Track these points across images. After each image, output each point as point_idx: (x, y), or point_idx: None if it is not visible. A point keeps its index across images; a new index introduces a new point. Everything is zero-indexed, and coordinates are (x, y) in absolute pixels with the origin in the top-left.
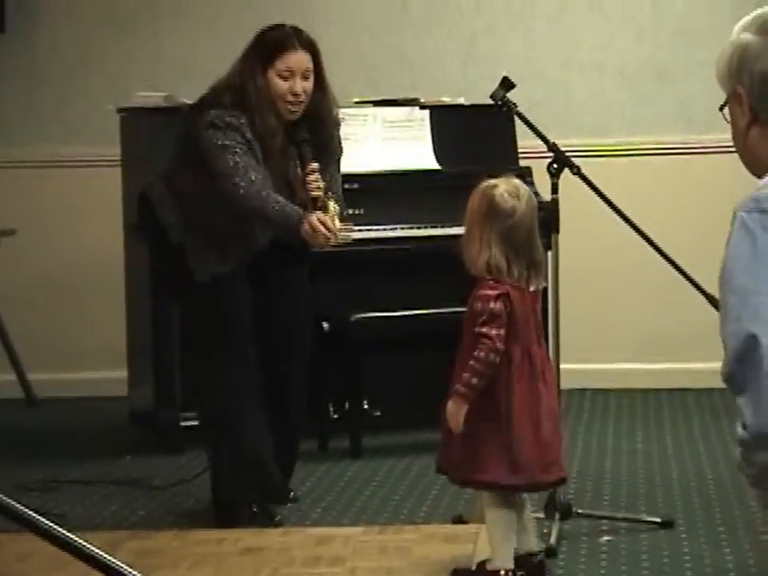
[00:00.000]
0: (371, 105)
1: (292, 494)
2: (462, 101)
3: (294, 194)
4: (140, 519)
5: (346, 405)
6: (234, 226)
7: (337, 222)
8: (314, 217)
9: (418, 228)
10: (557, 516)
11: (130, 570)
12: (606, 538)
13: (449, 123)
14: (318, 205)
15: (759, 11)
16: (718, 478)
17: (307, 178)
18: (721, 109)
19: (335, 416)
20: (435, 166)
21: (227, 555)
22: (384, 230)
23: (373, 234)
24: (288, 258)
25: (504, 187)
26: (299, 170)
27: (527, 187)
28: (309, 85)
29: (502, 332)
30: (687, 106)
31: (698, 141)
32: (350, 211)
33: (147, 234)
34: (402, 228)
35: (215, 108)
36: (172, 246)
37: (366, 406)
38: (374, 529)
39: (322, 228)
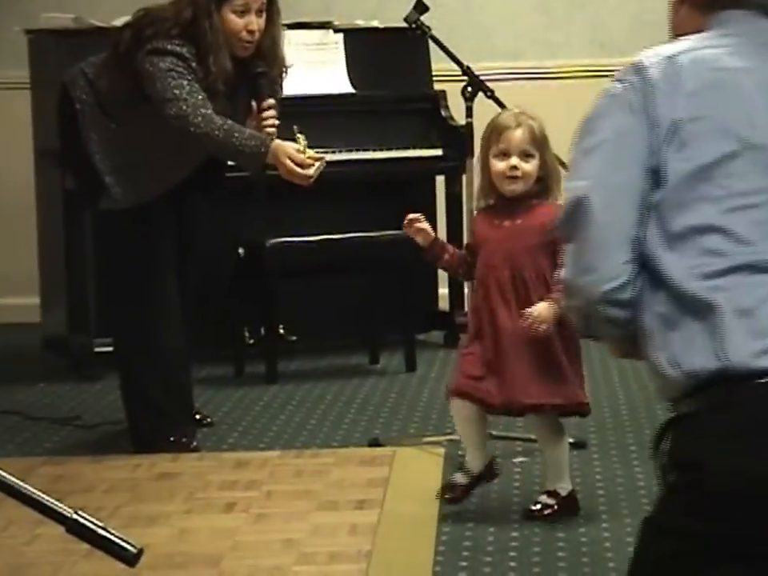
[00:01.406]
0: (285, 28)
1: (208, 419)
2: (376, 24)
3: (232, 98)
4: (54, 446)
5: (262, 330)
6: (165, 154)
7: (310, 152)
8: (285, 154)
9: (332, 152)
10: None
11: (43, 495)
12: (520, 459)
13: (363, 46)
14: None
15: None
16: (629, 400)
17: (264, 114)
18: None
19: (251, 341)
20: (349, 89)
21: (142, 480)
22: None
23: None
24: (206, 184)
25: (509, 112)
26: (254, 104)
27: (536, 119)
28: (263, 21)
29: None
30: (600, 30)
31: (611, 64)
32: None
33: (65, 147)
34: (316, 152)
35: (159, 39)
36: (91, 165)
37: (281, 331)
38: (290, 453)
39: (295, 167)
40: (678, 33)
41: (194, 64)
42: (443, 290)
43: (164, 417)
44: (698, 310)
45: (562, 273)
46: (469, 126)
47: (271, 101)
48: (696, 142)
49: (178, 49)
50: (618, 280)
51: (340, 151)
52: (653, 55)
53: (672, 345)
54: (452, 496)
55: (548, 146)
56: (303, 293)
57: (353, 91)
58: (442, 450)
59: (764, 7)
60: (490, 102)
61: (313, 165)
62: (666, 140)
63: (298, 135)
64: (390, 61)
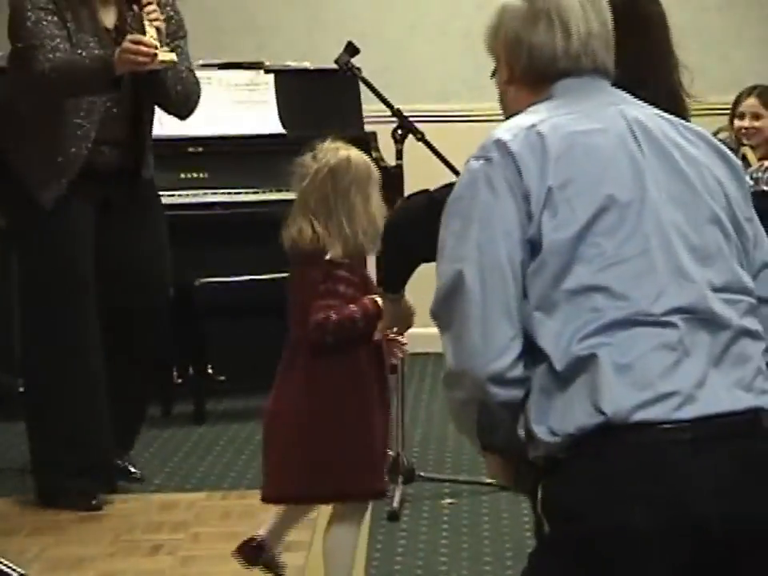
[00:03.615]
0: (216, 68)
1: (133, 470)
2: (307, 65)
3: (116, 42)
4: None
5: (190, 369)
6: (59, 124)
7: (156, 42)
8: (126, 40)
9: (263, 192)
10: (400, 479)
11: None
12: (448, 500)
13: (294, 87)
14: (160, 39)
15: None
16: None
17: (145, 9)
18: (492, 75)
19: (179, 381)
20: (280, 130)
21: (67, 522)
22: (229, 193)
23: (217, 198)
24: (135, 187)
25: (315, 150)
26: (134, 7)
27: (351, 155)
28: None
29: None
30: None
31: None
32: (194, 174)
33: None
34: (247, 192)
35: None
36: (8, 168)
37: (210, 371)
38: (218, 494)
39: (137, 46)
40: (511, 113)
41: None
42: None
43: (66, 476)
44: (579, 369)
45: (445, 364)
46: (399, 168)
47: None
48: (566, 206)
49: None
50: (506, 357)
51: (270, 191)
52: (510, 128)
53: (551, 414)
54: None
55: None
56: (232, 332)
57: (283, 131)
58: None
59: (597, 70)
60: (420, 144)
61: (158, 48)
62: (540, 209)
63: (149, 29)
64: (321, 102)
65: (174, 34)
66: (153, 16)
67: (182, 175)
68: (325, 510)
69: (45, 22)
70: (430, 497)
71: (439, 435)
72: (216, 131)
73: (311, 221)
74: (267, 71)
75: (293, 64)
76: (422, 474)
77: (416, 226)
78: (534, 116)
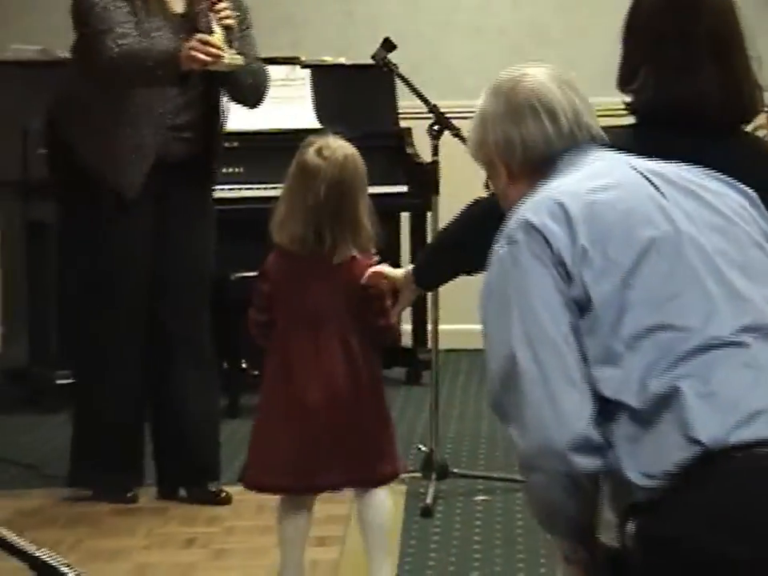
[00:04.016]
0: None
1: (221, 491)
2: (343, 61)
3: (185, 28)
4: (12, 479)
5: (224, 364)
6: (133, 110)
7: (223, 45)
8: (194, 38)
9: None
10: (433, 476)
11: (4, 530)
12: (481, 497)
13: (330, 83)
14: (229, 37)
15: (497, 79)
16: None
17: (215, 7)
18: (486, 186)
19: None
20: (316, 125)
21: (102, 515)
22: (264, 188)
23: (253, 193)
24: (197, 180)
25: (317, 145)
26: (205, 2)
27: (352, 154)
28: None
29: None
30: (569, 69)
31: None
32: (230, 169)
33: (55, 163)
34: (282, 187)
35: None
36: (74, 164)
37: (244, 366)
38: None
39: (204, 46)
40: (515, 205)
41: None
42: (406, 327)
43: (102, 459)
44: (661, 407)
45: (517, 451)
46: (435, 164)
47: None
48: (605, 257)
49: None
50: (581, 421)
51: None
52: (527, 208)
53: (642, 458)
54: None
55: None
56: None
57: (319, 127)
58: (403, 488)
59: (594, 140)
60: (456, 140)
61: (224, 50)
62: (578, 268)
63: (216, 29)
64: (357, 98)
65: (240, 24)
66: (223, 14)
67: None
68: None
69: (113, 8)
70: (464, 493)
71: (472, 432)
72: (252, 126)
73: (324, 226)
74: (303, 66)
75: (329, 59)
76: (455, 470)
77: (477, 232)
78: (546, 191)
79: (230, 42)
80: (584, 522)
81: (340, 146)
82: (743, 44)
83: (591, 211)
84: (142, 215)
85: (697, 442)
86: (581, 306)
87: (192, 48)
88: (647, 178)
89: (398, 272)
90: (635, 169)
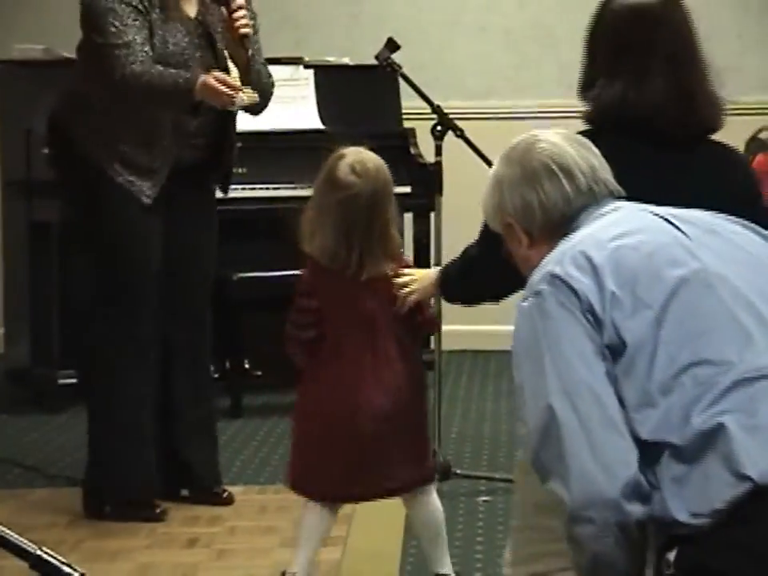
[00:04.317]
0: None
1: (224, 491)
2: (346, 61)
3: (199, 46)
4: (15, 479)
5: (227, 364)
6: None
7: (237, 81)
8: (211, 76)
9: (301, 188)
10: (436, 477)
11: (4, 529)
12: (484, 498)
13: (333, 83)
14: (246, 45)
15: (509, 146)
16: None
17: (234, 15)
18: (506, 254)
19: (216, 375)
20: (319, 125)
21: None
22: (267, 188)
23: (256, 194)
24: (199, 186)
25: (350, 159)
26: (223, 9)
27: (381, 166)
28: None
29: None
30: (569, 70)
31: (580, 105)
32: (234, 170)
33: (61, 164)
34: (286, 188)
35: None
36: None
37: (246, 366)
38: (254, 488)
39: (220, 86)
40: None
41: None
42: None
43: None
44: (706, 444)
45: (563, 506)
46: (438, 165)
47: (240, 0)
48: (636, 299)
49: None
50: (630, 467)
51: (309, 187)
52: (549, 261)
53: (689, 497)
54: None
55: None
56: (269, 327)
57: (322, 127)
58: None
59: (612, 194)
60: (460, 141)
61: (242, 90)
62: (609, 313)
63: (231, 66)
64: (360, 98)
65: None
66: (242, 22)
67: None
68: (361, 506)
69: (129, 20)
70: (466, 494)
71: (475, 432)
72: (255, 126)
73: (356, 243)
74: (307, 67)
75: (332, 60)
76: (457, 471)
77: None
78: (568, 243)
79: (246, 50)
80: (633, 572)
81: (372, 161)
82: (699, 57)
83: (616, 257)
84: (156, 219)
85: (746, 477)
86: (614, 352)
87: (208, 86)
88: (668, 221)
89: (425, 278)
90: (656, 214)
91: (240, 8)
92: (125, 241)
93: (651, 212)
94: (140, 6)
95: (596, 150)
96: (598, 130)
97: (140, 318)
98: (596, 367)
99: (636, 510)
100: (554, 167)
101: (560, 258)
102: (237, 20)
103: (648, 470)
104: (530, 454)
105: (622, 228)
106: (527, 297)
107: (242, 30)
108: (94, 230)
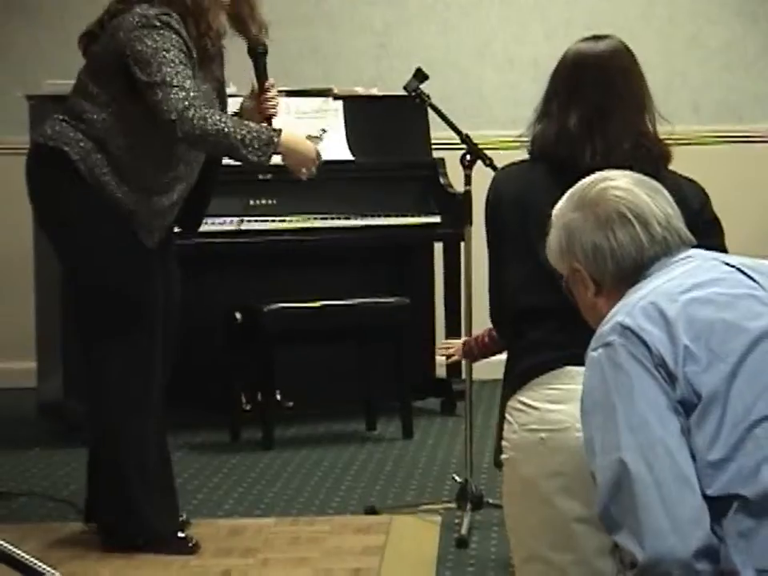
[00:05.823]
0: (284, 95)
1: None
2: (375, 91)
3: (224, 104)
4: (48, 512)
5: (258, 396)
6: (164, 171)
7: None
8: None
9: (331, 219)
10: (468, 506)
11: (37, 562)
12: None
13: (362, 114)
14: (271, 125)
15: (571, 189)
16: None
17: (266, 95)
18: (567, 290)
19: (247, 407)
20: (348, 156)
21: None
22: (297, 220)
23: (286, 225)
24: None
25: None
26: (254, 83)
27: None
28: None
29: None
30: None
31: None
32: (264, 201)
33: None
34: (315, 219)
35: (135, 6)
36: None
37: (278, 397)
38: (287, 520)
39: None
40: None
41: (185, 35)
42: (440, 358)
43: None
44: None
45: (633, 562)
46: (467, 194)
47: (272, 80)
48: (710, 352)
49: (168, 19)
50: (703, 526)
51: (338, 217)
52: (619, 311)
53: (756, 553)
54: None
55: None
56: (301, 358)
57: (352, 158)
58: (438, 518)
59: (685, 243)
60: (489, 170)
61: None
62: (682, 367)
63: (320, 133)
64: (389, 128)
65: None
66: (272, 103)
67: (252, 202)
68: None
69: (183, 65)
70: (499, 523)
71: None
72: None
73: None
74: (336, 98)
75: (361, 90)
76: (490, 500)
77: None
78: (638, 293)
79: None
80: None
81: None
82: (644, 102)
83: (689, 310)
84: (157, 260)
85: None
86: (687, 406)
87: (299, 144)
88: (742, 272)
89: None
90: (728, 264)
91: (272, 87)
92: (136, 283)
93: (723, 261)
94: (191, 64)
95: (668, 196)
96: (533, 158)
97: (155, 352)
98: (670, 422)
99: (707, 568)
100: (629, 215)
101: (630, 310)
102: (269, 100)
103: (715, 522)
104: (598, 508)
105: (694, 279)
106: (597, 347)
107: (270, 111)
108: (101, 273)
